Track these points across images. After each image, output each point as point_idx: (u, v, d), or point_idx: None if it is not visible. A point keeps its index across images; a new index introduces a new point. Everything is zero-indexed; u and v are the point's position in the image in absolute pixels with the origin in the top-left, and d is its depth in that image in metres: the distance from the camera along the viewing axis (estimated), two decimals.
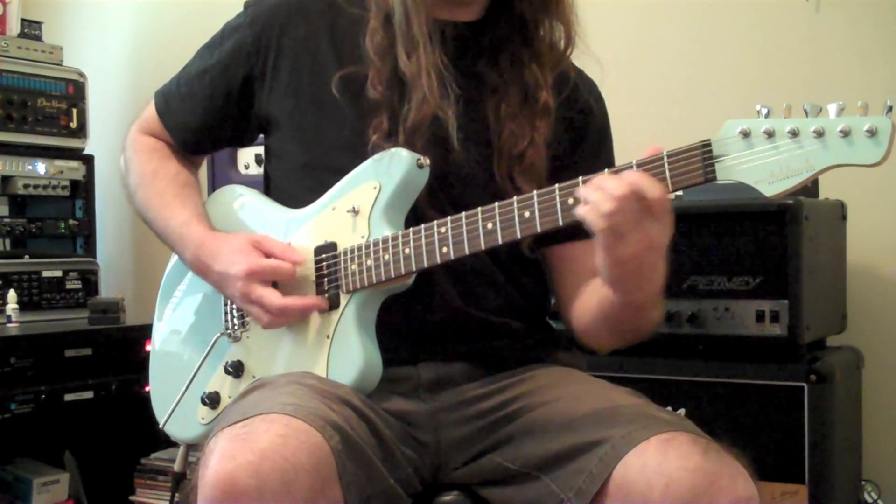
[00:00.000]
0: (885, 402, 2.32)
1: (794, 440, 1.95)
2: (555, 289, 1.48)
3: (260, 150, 1.60)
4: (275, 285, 1.37)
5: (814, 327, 2.03)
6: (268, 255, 1.37)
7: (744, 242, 2.02)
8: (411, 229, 1.31)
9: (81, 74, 3.18)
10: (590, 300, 1.37)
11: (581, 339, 1.44)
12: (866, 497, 2.19)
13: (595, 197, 1.15)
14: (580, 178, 1.19)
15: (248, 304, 1.37)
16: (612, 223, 1.14)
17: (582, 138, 1.48)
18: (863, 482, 2.22)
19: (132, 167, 1.58)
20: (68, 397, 2.73)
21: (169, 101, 1.57)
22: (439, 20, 1.41)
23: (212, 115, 1.52)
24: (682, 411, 2.04)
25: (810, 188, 2.13)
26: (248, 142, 1.58)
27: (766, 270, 1.99)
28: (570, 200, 1.19)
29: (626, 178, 1.14)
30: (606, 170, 1.18)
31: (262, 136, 1.55)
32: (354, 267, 1.34)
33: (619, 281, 1.22)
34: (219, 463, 1.08)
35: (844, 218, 2.22)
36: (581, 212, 1.16)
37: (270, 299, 1.34)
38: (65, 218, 3.13)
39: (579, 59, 1.51)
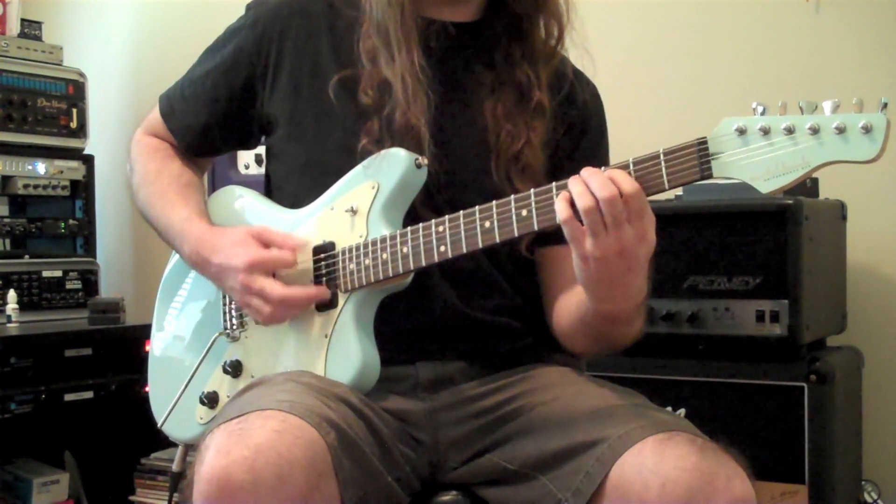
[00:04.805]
0: (885, 402, 2.32)
1: (794, 440, 1.95)
2: (543, 289, 1.47)
3: (260, 150, 1.60)
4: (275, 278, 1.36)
5: (814, 327, 2.03)
6: (268, 246, 1.37)
7: (744, 242, 2.01)
8: (409, 228, 1.31)
9: (81, 74, 3.18)
10: (570, 301, 1.36)
11: (560, 341, 1.43)
12: (866, 497, 2.19)
13: (576, 189, 1.14)
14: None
15: (249, 295, 1.36)
16: (587, 222, 1.13)
17: (579, 138, 1.48)
18: (863, 482, 2.22)
19: (136, 167, 1.58)
20: (68, 397, 2.73)
21: (173, 104, 1.57)
22: (433, 20, 1.41)
23: (215, 117, 1.52)
24: (682, 411, 2.04)
25: (810, 188, 2.13)
26: (253, 144, 1.58)
27: (766, 270, 1.99)
28: None
29: (616, 179, 1.13)
30: (603, 167, 1.17)
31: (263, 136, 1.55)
32: (353, 266, 1.34)
33: (589, 285, 1.21)
34: (214, 458, 1.08)
35: (844, 218, 2.22)
36: (557, 203, 1.16)
37: (272, 289, 1.33)
38: (65, 218, 3.14)
39: (575, 57, 1.51)
